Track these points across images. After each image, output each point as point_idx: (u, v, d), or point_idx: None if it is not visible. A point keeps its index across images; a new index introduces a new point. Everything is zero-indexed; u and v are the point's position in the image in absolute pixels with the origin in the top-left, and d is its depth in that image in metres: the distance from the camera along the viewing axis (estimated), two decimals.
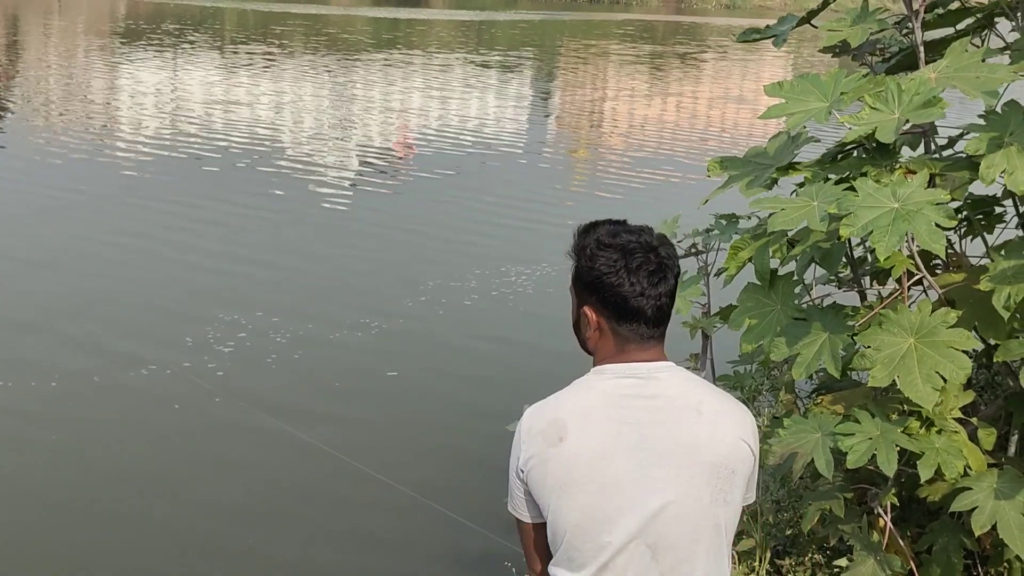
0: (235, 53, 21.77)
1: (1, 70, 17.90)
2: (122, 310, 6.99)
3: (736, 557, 3.43)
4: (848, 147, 3.19)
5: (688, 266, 3.79)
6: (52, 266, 7.83)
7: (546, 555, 1.88)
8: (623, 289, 1.78)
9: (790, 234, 3.06)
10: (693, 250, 3.89)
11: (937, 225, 2.56)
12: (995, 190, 3.15)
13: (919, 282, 2.99)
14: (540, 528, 1.86)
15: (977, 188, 3.00)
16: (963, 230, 3.49)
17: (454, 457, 5.16)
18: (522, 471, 1.81)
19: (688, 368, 3.89)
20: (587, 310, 1.84)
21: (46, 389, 5.70)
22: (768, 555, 3.48)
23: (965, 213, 3.39)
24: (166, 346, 6.30)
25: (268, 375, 6.01)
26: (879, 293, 3.38)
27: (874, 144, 3.00)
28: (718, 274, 3.57)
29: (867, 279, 3.49)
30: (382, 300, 7.38)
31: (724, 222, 3.70)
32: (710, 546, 1.80)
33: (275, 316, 6.88)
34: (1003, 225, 3.44)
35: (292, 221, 9.45)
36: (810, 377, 3.60)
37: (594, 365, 1.88)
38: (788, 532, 3.61)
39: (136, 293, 7.35)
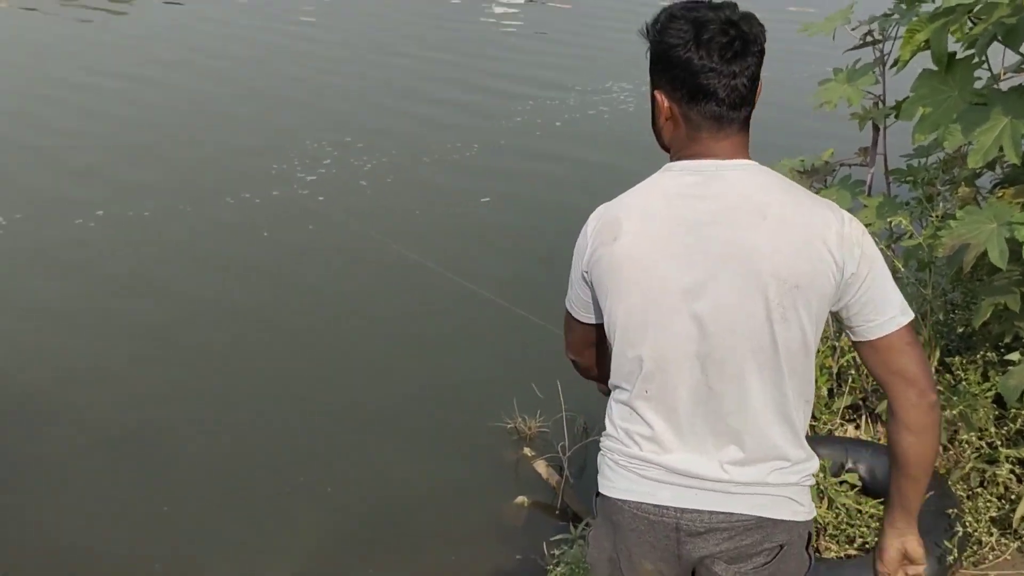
0: None
1: None
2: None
3: None
4: None
5: (864, 56, 3.58)
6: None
7: (594, 352, 1.87)
8: (692, 64, 1.60)
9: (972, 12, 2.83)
10: (869, 38, 3.67)
11: None
12: None
13: None
14: (593, 328, 1.80)
15: None
16: None
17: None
18: (587, 272, 1.72)
19: (856, 164, 3.75)
20: (658, 94, 1.67)
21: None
22: (937, 354, 3.40)
23: None
24: (254, 175, 6.64)
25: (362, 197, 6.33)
26: None
27: None
28: (894, 66, 3.36)
29: None
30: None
31: (904, 6, 3.44)
32: (765, 366, 1.61)
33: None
34: None
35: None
36: (992, 169, 3.41)
37: (669, 161, 1.72)
38: (960, 330, 3.50)
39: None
